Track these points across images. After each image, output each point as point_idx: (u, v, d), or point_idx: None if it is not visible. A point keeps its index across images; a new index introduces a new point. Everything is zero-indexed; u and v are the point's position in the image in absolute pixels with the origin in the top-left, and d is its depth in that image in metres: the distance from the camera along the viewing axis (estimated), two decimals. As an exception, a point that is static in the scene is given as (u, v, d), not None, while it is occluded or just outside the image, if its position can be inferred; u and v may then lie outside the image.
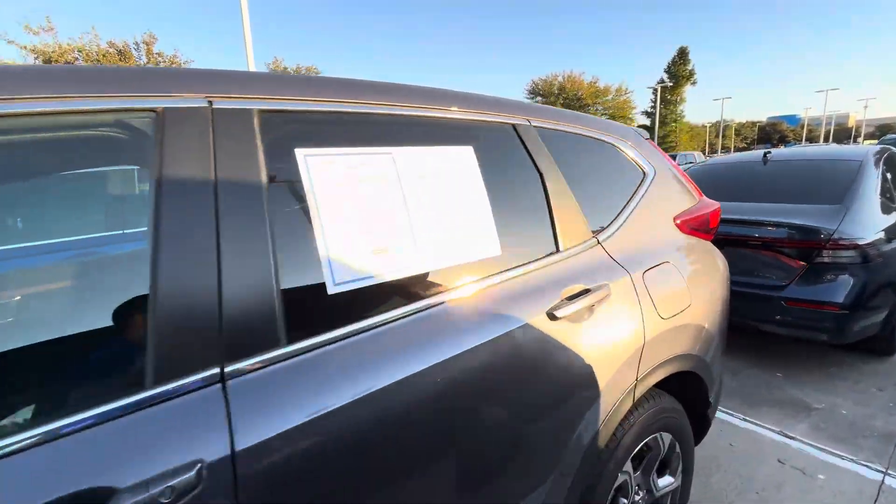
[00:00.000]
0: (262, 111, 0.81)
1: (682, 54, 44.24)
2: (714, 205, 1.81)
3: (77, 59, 16.41)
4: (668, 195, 1.65)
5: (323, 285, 0.80)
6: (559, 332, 1.05)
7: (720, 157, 4.17)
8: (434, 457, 0.86)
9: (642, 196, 1.53)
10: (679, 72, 43.90)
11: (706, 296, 1.58)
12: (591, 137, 1.47)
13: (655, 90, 41.67)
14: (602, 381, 1.13)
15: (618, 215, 1.41)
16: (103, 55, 17.08)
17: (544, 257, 1.15)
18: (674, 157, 17.78)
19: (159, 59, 18.73)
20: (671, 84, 42.97)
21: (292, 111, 0.86)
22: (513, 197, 1.20)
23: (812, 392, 2.76)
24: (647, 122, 44.15)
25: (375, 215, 0.89)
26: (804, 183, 3.27)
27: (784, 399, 2.70)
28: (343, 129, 0.92)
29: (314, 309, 0.81)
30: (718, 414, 2.56)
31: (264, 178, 0.78)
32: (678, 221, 1.61)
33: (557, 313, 1.04)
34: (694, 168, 4.14)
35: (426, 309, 0.90)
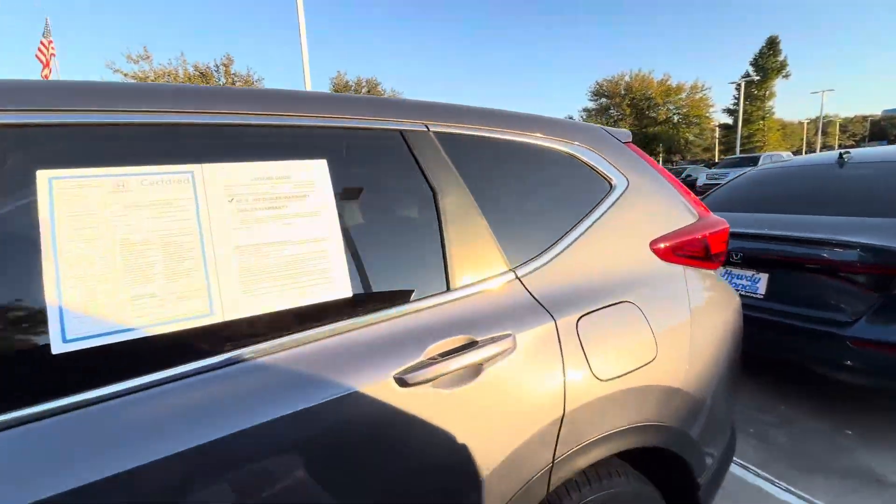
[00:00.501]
0: None
1: (772, 45, 39.82)
2: (718, 224, 1.41)
3: (166, 82, 18.42)
4: (645, 212, 1.29)
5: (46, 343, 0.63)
6: (412, 402, 0.79)
7: (788, 159, 3.50)
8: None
9: (602, 214, 1.20)
10: (768, 64, 39.55)
11: (693, 346, 1.21)
12: (526, 143, 1.17)
13: (739, 85, 37.88)
14: (485, 468, 0.85)
15: (557, 241, 1.10)
16: (188, 78, 19.04)
17: (421, 299, 0.89)
18: (756, 159, 15.82)
19: (235, 78, 20.47)
20: (758, 78, 38.83)
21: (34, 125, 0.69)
22: (387, 222, 0.96)
23: (890, 460, 2.14)
24: (730, 120, 40.25)
25: (148, 251, 0.71)
26: (890, 191, 2.61)
27: (850, 467, 2.11)
28: (120, 145, 0.75)
29: (30, 373, 0.64)
30: (753, 479, 2.06)
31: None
32: (659, 246, 1.26)
33: (410, 377, 0.78)
34: (749, 174, 3.51)
35: (202, 372, 0.69)
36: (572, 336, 0.99)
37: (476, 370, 0.87)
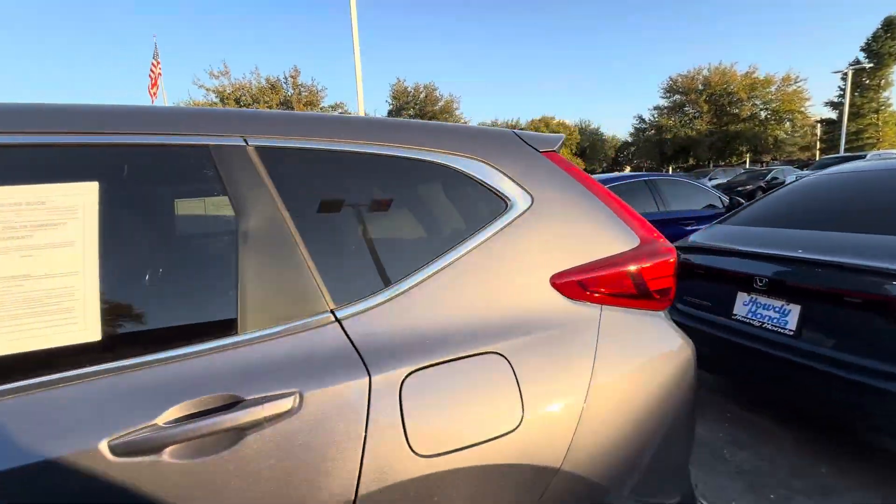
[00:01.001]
0: None
1: (890, 26, 34.39)
2: (661, 253, 1.11)
3: (241, 95, 20.15)
4: (552, 238, 1.04)
5: None
6: (132, 475, 0.65)
7: (849, 165, 2.86)
8: None
9: (483, 241, 0.98)
10: (884, 49, 34.20)
11: (596, 410, 0.94)
12: (388, 156, 0.99)
13: (845, 75, 33.05)
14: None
15: (408, 274, 0.91)
16: (261, 90, 20.65)
17: (189, 345, 0.75)
18: (860, 158, 13.61)
19: (301, 89, 21.83)
20: (871, 65, 33.66)
21: None
22: (172, 251, 0.84)
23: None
24: (835, 114, 35.29)
25: None
26: None
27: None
28: None
29: None
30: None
31: None
32: (565, 280, 1.01)
33: (132, 444, 0.65)
34: (804, 180, 2.92)
35: None
36: (390, 397, 0.79)
37: (234, 437, 0.71)
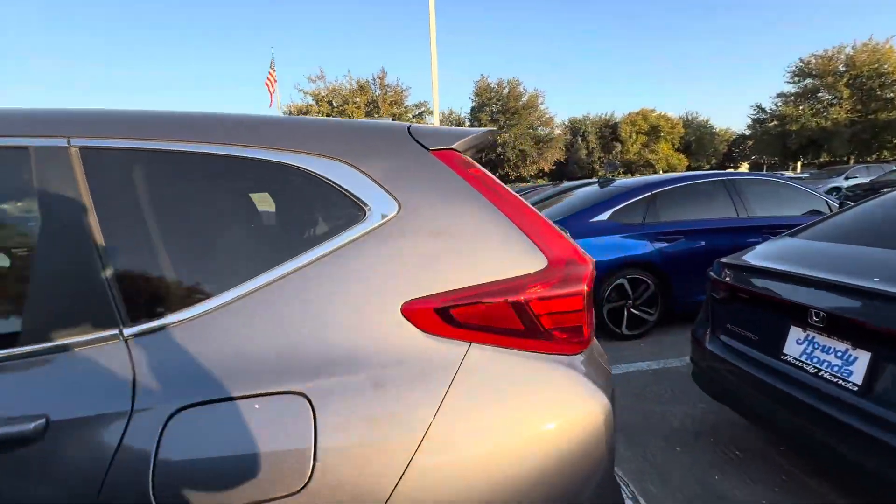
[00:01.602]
0: None
1: None
2: (569, 283, 0.85)
3: (334, 97, 21.63)
4: (416, 255, 0.84)
5: None
6: None
7: None
8: None
9: (320, 256, 0.82)
10: None
11: (426, 473, 0.74)
12: (230, 156, 0.87)
13: None
14: None
15: (220, 293, 0.78)
16: (352, 92, 21.98)
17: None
18: None
19: (388, 89, 22.78)
20: None
21: None
22: None
23: None
24: None
25: None
26: None
27: None
28: None
29: None
30: None
31: None
32: (418, 308, 0.81)
33: None
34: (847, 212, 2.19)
35: None
36: (148, 436, 0.68)
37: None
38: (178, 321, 0.77)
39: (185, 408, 0.70)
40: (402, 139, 0.95)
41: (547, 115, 28.92)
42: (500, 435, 0.78)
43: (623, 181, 4.84)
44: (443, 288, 0.83)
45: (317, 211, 0.90)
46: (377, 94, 22.63)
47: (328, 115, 22.28)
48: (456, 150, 0.96)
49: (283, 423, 0.72)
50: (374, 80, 22.98)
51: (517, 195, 0.97)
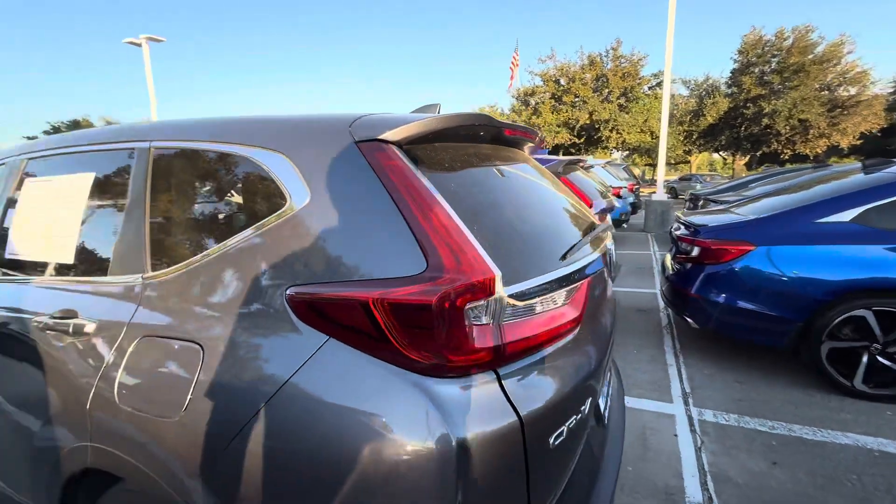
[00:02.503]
0: None
1: None
2: (426, 291, 0.73)
3: (561, 75, 21.12)
4: (312, 243, 0.87)
5: None
6: (49, 340, 1.17)
7: None
8: None
9: (251, 235, 0.95)
10: None
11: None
12: (220, 153, 1.08)
13: None
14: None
15: (196, 255, 1.02)
16: (582, 68, 20.99)
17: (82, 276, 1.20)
18: None
19: (621, 60, 20.64)
20: None
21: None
22: (109, 215, 1.26)
23: None
24: None
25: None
26: None
27: None
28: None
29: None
30: None
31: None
32: (295, 294, 0.85)
33: (45, 322, 1.17)
34: None
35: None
36: (124, 344, 1.00)
37: (75, 331, 1.10)
38: (170, 274, 1.05)
39: (148, 336, 0.99)
40: (340, 130, 0.97)
41: (857, 70, 20.49)
42: (326, 426, 0.77)
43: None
44: (320, 279, 0.85)
45: (257, 198, 1.03)
46: (608, 67, 20.90)
47: (554, 95, 22.00)
48: (383, 140, 0.93)
49: (185, 360, 0.92)
50: (606, 52, 21.28)
51: (435, 195, 0.87)
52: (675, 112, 24.08)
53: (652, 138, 21.17)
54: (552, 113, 21.60)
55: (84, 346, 1.08)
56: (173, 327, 0.97)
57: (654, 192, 11.10)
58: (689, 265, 3.24)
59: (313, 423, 0.78)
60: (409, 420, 0.74)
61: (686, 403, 2.73)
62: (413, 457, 0.72)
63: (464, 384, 0.78)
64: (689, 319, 3.26)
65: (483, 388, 0.79)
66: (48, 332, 1.16)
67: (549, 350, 0.92)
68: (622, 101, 21.37)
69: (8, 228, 1.46)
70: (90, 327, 1.08)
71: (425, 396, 0.75)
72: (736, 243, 2.95)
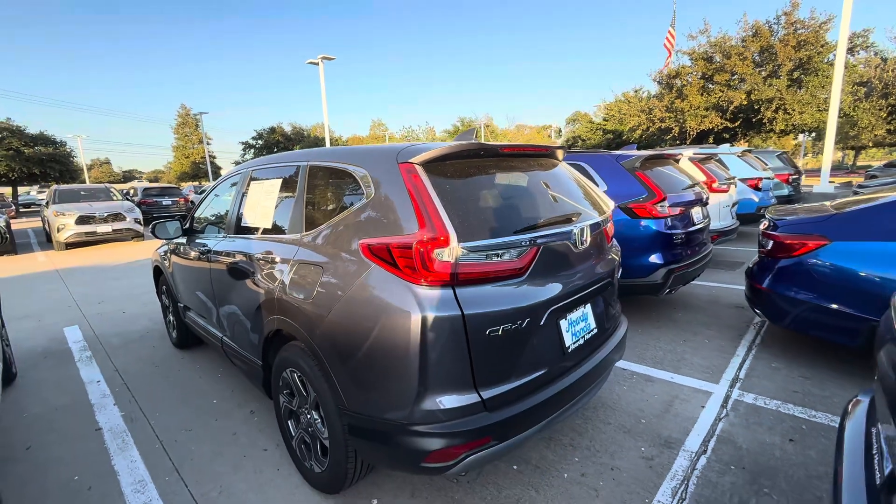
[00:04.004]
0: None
1: None
2: (405, 240, 1.48)
3: (714, 52, 18.60)
4: (373, 218, 1.69)
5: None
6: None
7: None
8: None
9: (349, 213, 1.82)
10: None
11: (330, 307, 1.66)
12: (338, 168, 1.98)
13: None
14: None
15: (323, 225, 1.94)
16: (744, 40, 18.15)
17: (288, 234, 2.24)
18: None
19: (796, 26, 17.15)
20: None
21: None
22: (287, 201, 2.28)
23: None
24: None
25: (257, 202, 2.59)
26: None
27: None
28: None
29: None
30: None
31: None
32: (364, 243, 1.67)
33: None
34: None
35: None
36: (291, 267, 1.97)
37: (272, 261, 2.15)
38: (310, 234, 2.00)
39: (301, 263, 1.95)
40: (391, 156, 1.76)
41: None
42: (371, 304, 1.58)
43: None
44: (372, 235, 1.66)
45: (353, 193, 1.88)
46: (780, 34, 17.56)
47: (705, 74, 19.50)
48: (412, 163, 1.69)
49: (316, 273, 1.84)
50: (776, 19, 17.88)
51: (431, 193, 1.59)
52: (875, 82, 19.03)
53: (841, 117, 17.28)
54: (701, 95, 19.24)
55: (274, 268, 2.11)
56: (312, 258, 1.90)
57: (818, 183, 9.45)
58: (764, 259, 3.25)
59: (366, 302, 1.60)
60: (405, 303, 1.49)
61: (732, 386, 2.88)
62: (406, 319, 1.48)
63: (433, 291, 1.50)
64: (759, 312, 3.28)
65: (444, 294, 1.50)
66: (259, 261, 2.24)
67: (494, 282, 1.59)
68: (798, 74, 17.84)
69: (243, 210, 2.65)
70: (277, 259, 2.10)
71: (413, 294, 1.50)
72: (810, 238, 2.92)
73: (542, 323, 1.71)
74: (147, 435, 2.58)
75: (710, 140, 19.41)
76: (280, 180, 2.36)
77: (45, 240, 12.32)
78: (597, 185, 4.07)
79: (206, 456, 2.36)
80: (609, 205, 2.43)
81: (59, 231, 10.16)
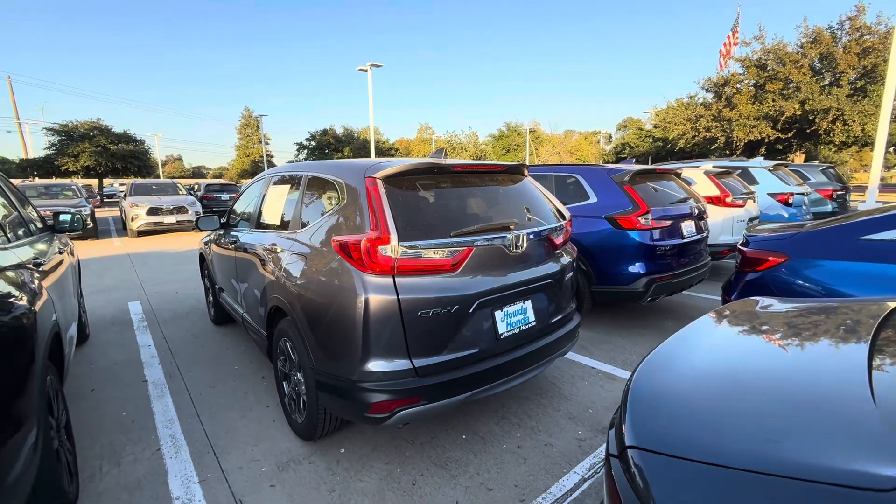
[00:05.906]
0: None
1: None
2: (361, 241, 1.93)
3: (767, 59, 17.67)
4: (342, 221, 2.16)
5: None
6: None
7: None
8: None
9: (326, 216, 2.31)
10: None
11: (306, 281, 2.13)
12: (327, 179, 2.47)
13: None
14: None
15: (309, 223, 2.44)
16: (801, 47, 17.15)
17: (275, 230, 2.77)
18: None
19: (861, 31, 15.94)
20: None
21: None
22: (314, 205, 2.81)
23: None
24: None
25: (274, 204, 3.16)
26: None
27: None
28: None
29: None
30: None
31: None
32: (335, 240, 2.15)
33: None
34: None
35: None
36: (287, 256, 2.49)
37: (275, 251, 2.69)
38: (303, 230, 2.50)
39: (294, 253, 2.46)
40: (360, 171, 2.23)
41: None
42: (333, 285, 2.05)
43: None
44: (342, 235, 2.13)
45: (334, 198, 2.36)
46: (844, 41, 16.39)
47: (756, 82, 18.53)
48: (374, 177, 2.15)
49: (299, 261, 2.35)
50: (839, 24, 16.69)
51: (384, 202, 2.04)
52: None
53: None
54: (752, 104, 18.31)
55: (276, 256, 2.64)
56: (301, 249, 2.40)
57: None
58: (736, 273, 3.42)
59: (330, 284, 2.07)
60: (355, 287, 1.95)
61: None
62: (355, 298, 1.93)
63: (377, 278, 1.94)
64: (727, 323, 3.44)
65: (385, 281, 1.94)
66: (265, 251, 2.79)
67: (429, 275, 2.01)
68: (862, 83, 16.55)
69: (262, 209, 3.23)
70: (279, 249, 2.62)
71: (361, 280, 1.95)
72: (772, 254, 3.09)
73: (471, 311, 2.11)
74: (180, 387, 3.21)
75: (762, 151, 18.40)
76: (289, 186, 2.90)
77: (122, 227, 13.97)
78: (588, 197, 4.36)
79: (221, 406, 2.93)
80: (565, 215, 2.77)
81: (132, 220, 11.59)
